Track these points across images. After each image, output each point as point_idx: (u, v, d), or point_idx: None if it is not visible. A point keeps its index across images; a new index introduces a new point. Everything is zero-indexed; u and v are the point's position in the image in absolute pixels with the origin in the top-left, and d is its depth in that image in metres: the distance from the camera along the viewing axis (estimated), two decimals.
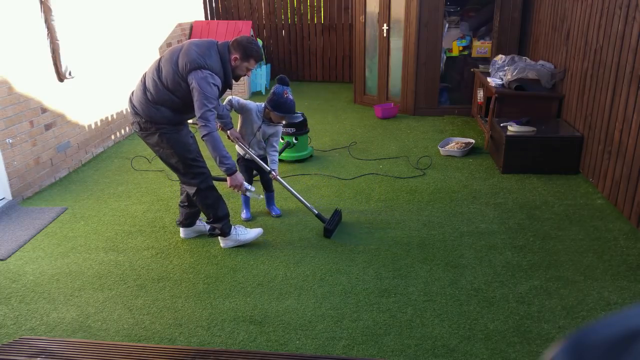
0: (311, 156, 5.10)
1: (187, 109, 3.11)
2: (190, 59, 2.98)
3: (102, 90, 5.47)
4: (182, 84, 3.02)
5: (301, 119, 4.87)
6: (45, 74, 4.55)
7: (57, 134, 4.71)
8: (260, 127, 3.63)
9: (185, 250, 3.43)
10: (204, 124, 3.00)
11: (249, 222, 3.80)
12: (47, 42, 4.55)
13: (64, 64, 4.68)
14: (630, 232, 3.49)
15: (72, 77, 4.83)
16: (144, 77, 3.16)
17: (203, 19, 8.73)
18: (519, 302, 2.78)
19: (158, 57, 3.18)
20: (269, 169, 3.61)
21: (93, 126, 5.34)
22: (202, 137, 3.06)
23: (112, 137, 5.72)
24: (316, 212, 3.63)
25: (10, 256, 3.38)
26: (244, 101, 3.65)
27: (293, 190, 3.66)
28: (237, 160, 3.76)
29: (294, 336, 2.57)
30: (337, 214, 3.69)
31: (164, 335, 2.60)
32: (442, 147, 5.21)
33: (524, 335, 2.53)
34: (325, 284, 3.00)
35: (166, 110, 3.09)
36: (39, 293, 2.97)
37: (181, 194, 3.50)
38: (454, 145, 5.24)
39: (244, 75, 3.25)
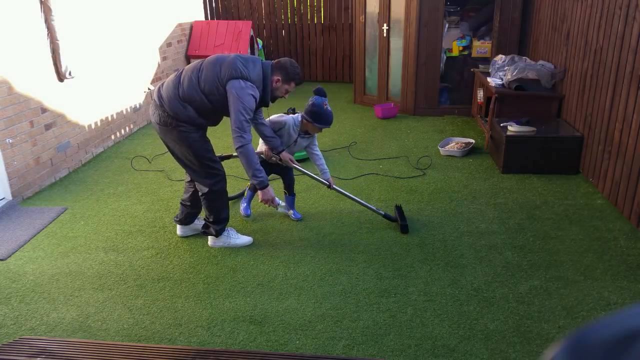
0: None
1: (212, 115, 3.12)
2: (234, 68, 3.00)
3: (102, 90, 5.47)
4: (220, 89, 3.02)
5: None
6: (45, 74, 4.55)
7: (57, 134, 4.71)
8: (296, 140, 3.59)
9: (185, 250, 3.43)
10: (239, 135, 2.99)
11: (248, 218, 3.80)
12: (47, 42, 4.55)
13: (64, 64, 4.68)
14: (630, 232, 3.49)
15: (72, 77, 4.83)
16: (181, 72, 3.15)
17: (203, 19, 8.73)
18: (519, 302, 2.78)
19: (200, 60, 3.18)
20: (325, 181, 3.59)
21: (93, 126, 5.34)
22: (236, 149, 3.05)
23: (112, 137, 5.72)
24: (383, 212, 3.65)
25: (10, 256, 3.38)
26: (277, 117, 3.59)
27: (353, 196, 3.67)
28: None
29: (294, 336, 2.57)
30: (399, 209, 3.74)
31: (164, 335, 2.60)
32: (442, 147, 5.21)
33: (524, 335, 2.53)
34: (325, 284, 3.00)
35: (192, 110, 3.08)
36: (39, 293, 2.97)
37: (185, 193, 3.50)
38: (454, 145, 5.24)
39: (281, 97, 3.26)
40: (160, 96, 3.13)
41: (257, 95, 3.05)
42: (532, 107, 5.04)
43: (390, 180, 4.53)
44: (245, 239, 3.47)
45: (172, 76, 3.19)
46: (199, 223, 3.59)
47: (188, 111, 3.08)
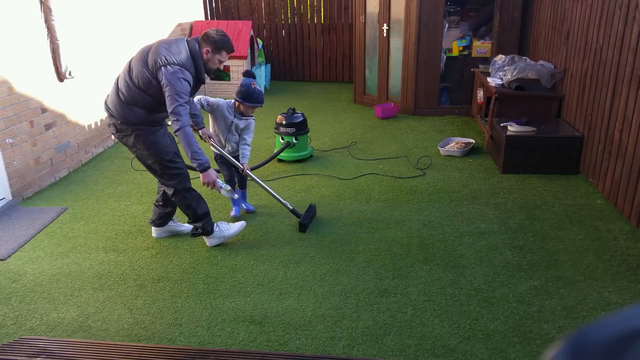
0: (311, 156, 5.10)
1: (160, 107, 3.10)
2: (159, 56, 2.99)
3: (102, 90, 5.46)
4: (153, 81, 3.02)
5: (301, 118, 4.91)
6: (45, 74, 4.55)
7: (57, 134, 4.71)
8: (232, 122, 3.71)
9: (185, 250, 3.43)
10: (175, 119, 2.99)
11: (237, 219, 3.79)
12: (47, 42, 4.55)
13: (64, 64, 4.68)
14: (630, 232, 3.49)
15: (72, 77, 4.83)
16: (117, 79, 3.18)
17: (203, 19, 8.73)
18: (519, 302, 2.78)
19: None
20: (239, 164, 3.67)
21: (93, 126, 5.34)
22: (174, 132, 3.06)
23: (112, 137, 5.72)
24: (290, 207, 3.70)
25: (10, 256, 3.38)
26: (213, 99, 3.73)
27: (265, 186, 3.73)
28: (215, 158, 3.83)
29: (294, 336, 2.57)
30: (311, 208, 3.77)
31: (164, 335, 2.60)
32: (442, 147, 5.21)
33: (524, 335, 2.53)
34: (325, 284, 3.00)
35: (140, 110, 3.09)
36: (39, 293, 2.97)
37: (157, 193, 3.52)
38: (454, 145, 5.24)
39: (217, 68, 3.24)
40: (108, 107, 3.18)
41: (189, 77, 3.03)
42: (532, 107, 5.04)
43: (390, 180, 4.53)
44: (237, 226, 3.48)
45: (112, 86, 3.21)
46: (173, 224, 3.59)
47: (136, 112, 3.09)
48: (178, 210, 3.51)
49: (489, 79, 5.46)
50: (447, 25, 6.42)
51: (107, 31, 5.55)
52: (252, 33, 7.80)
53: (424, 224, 3.71)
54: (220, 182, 3.27)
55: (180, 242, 3.53)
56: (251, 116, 3.78)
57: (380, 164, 4.95)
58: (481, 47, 6.44)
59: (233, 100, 3.73)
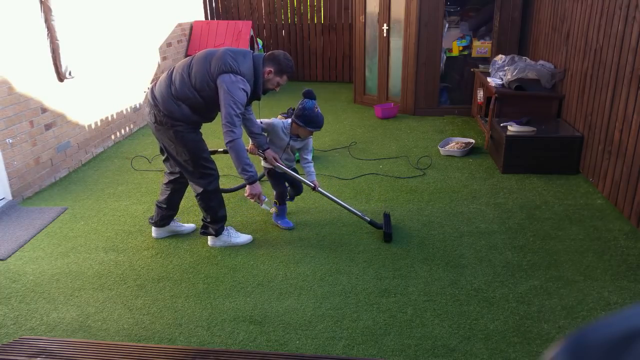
0: None
1: (207, 111, 3.10)
2: (225, 62, 2.97)
3: (102, 90, 5.47)
4: (211, 84, 3.00)
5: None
6: (45, 74, 4.55)
7: (57, 134, 4.71)
8: (288, 144, 3.52)
9: (185, 250, 3.43)
10: (229, 129, 2.96)
11: (291, 230, 3.70)
12: (47, 42, 4.55)
13: (64, 64, 4.68)
14: (630, 232, 3.49)
15: (72, 77, 4.83)
16: (172, 70, 3.14)
17: (203, 18, 8.73)
18: (519, 302, 2.78)
19: (189, 56, 3.14)
20: (310, 183, 3.52)
21: (93, 126, 5.34)
22: (226, 143, 3.02)
23: (112, 137, 5.72)
24: (368, 219, 3.58)
25: (10, 256, 3.38)
26: (267, 120, 3.54)
27: (339, 200, 3.62)
28: (268, 174, 3.64)
29: (294, 336, 2.57)
30: (387, 217, 3.67)
31: (164, 335, 2.60)
32: (442, 147, 5.21)
33: (524, 335, 2.53)
34: (325, 284, 3.00)
35: (186, 108, 3.06)
36: (39, 293, 2.97)
37: (161, 195, 3.47)
38: (454, 145, 5.24)
39: (273, 90, 3.23)
40: (154, 96, 3.11)
41: (248, 89, 3.02)
42: (532, 107, 5.04)
43: (390, 180, 4.53)
44: (245, 238, 3.47)
45: (164, 75, 3.17)
46: (174, 224, 3.58)
47: (182, 109, 3.06)
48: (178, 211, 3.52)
49: (489, 79, 5.46)
50: (447, 25, 6.42)
51: (107, 31, 5.55)
52: (252, 33, 7.81)
53: (424, 224, 3.71)
54: (264, 196, 3.28)
55: (180, 242, 3.53)
56: (309, 137, 3.55)
57: (380, 164, 4.95)
58: (481, 47, 6.44)
59: (290, 121, 3.48)
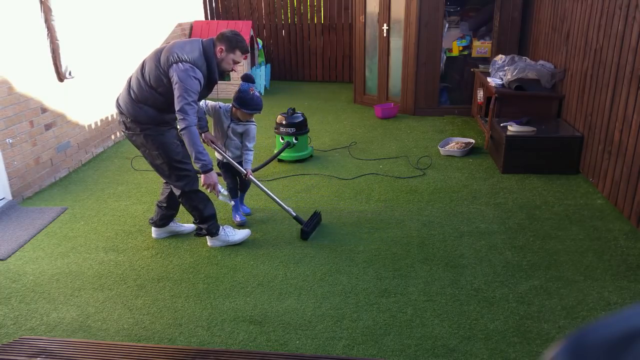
0: (311, 156, 5.10)
1: (170, 107, 3.09)
2: (172, 53, 2.98)
3: (102, 90, 5.47)
4: (164, 79, 3.00)
5: (301, 119, 4.91)
6: (45, 74, 4.55)
7: (57, 134, 4.71)
8: (229, 126, 3.61)
9: (185, 250, 3.43)
10: (182, 117, 2.98)
11: (243, 225, 3.79)
12: (47, 42, 4.55)
13: (64, 64, 4.68)
14: (630, 232, 3.49)
15: (72, 77, 4.83)
16: (130, 77, 3.18)
17: (203, 19, 8.73)
18: (519, 302, 2.78)
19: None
20: (242, 169, 3.60)
21: (93, 126, 5.34)
22: (179, 131, 3.05)
23: (112, 137, 5.72)
24: (294, 214, 3.61)
25: (10, 256, 3.38)
26: (213, 102, 3.65)
27: (268, 191, 3.65)
28: (218, 165, 3.74)
29: (294, 336, 2.57)
30: (315, 215, 3.67)
31: (164, 335, 2.60)
32: (442, 147, 5.21)
33: (524, 335, 2.53)
34: (325, 284, 3.00)
35: (149, 109, 3.08)
36: (39, 293, 2.97)
37: (161, 194, 3.49)
38: (454, 145, 5.24)
39: (231, 70, 3.22)
40: (119, 104, 3.17)
41: (200, 75, 3.01)
42: (532, 107, 5.04)
43: (390, 180, 4.53)
44: (242, 234, 3.47)
45: (125, 83, 3.20)
46: (173, 225, 3.59)
47: (146, 111, 3.08)
48: (178, 211, 3.52)
49: (489, 79, 5.46)
50: (447, 25, 6.42)
51: (107, 31, 5.55)
52: (252, 33, 7.80)
53: (424, 224, 3.71)
54: (220, 186, 3.27)
55: (180, 242, 3.53)
56: (251, 121, 3.65)
57: (380, 164, 4.95)
58: (481, 47, 6.44)
59: (230, 105, 3.61)
